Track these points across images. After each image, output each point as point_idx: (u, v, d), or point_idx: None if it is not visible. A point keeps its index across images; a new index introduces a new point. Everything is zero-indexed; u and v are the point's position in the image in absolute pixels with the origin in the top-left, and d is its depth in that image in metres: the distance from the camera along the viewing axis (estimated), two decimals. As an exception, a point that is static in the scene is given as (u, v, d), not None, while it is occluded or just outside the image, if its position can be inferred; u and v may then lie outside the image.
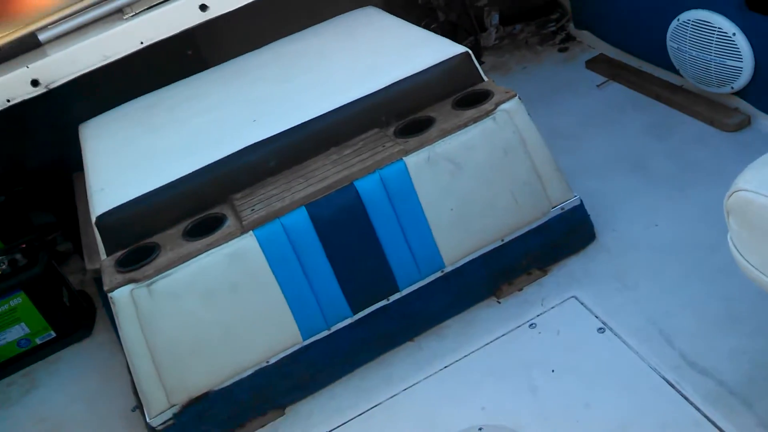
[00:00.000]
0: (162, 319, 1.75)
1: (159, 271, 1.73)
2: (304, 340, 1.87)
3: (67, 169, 2.58)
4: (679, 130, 2.51)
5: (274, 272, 1.79)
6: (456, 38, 3.20)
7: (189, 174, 1.88)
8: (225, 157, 1.89)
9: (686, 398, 1.67)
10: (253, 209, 1.80)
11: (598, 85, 2.88)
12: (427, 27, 3.16)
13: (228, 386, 1.85)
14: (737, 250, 1.36)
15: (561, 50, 3.23)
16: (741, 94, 2.42)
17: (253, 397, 1.88)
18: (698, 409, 1.64)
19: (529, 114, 1.99)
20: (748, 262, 1.33)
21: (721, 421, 1.60)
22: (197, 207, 1.88)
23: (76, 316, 2.50)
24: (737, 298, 1.82)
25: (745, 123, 2.42)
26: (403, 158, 1.87)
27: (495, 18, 3.42)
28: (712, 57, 2.39)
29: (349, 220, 1.84)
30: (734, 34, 2.30)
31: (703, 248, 2.00)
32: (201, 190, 1.88)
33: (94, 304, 2.61)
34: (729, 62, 2.35)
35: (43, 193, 2.81)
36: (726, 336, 1.78)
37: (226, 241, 1.76)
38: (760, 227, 1.26)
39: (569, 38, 3.27)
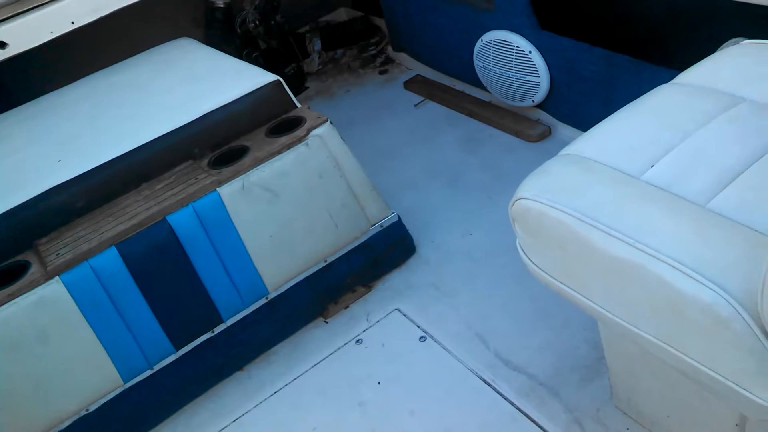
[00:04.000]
0: (-38, 379, 1.64)
1: (-47, 329, 1.63)
2: (125, 382, 1.81)
3: None
4: (489, 143, 2.67)
5: (85, 317, 1.72)
6: (279, 65, 3.25)
7: (-13, 222, 1.78)
8: (26, 202, 1.80)
9: (501, 395, 1.77)
10: (58, 253, 1.73)
11: (415, 105, 3.01)
12: (249, 56, 3.18)
13: (47, 440, 1.76)
14: (524, 254, 1.47)
15: (381, 72, 3.34)
16: (542, 106, 2.62)
17: (77, 449, 1.79)
18: (512, 404, 1.74)
19: (342, 137, 2.05)
20: (534, 264, 1.45)
21: (533, 413, 1.72)
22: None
23: None
24: (543, 296, 1.96)
25: (547, 133, 2.62)
26: (217, 189, 1.86)
27: (317, 44, 3.49)
28: (513, 73, 2.57)
29: (163, 256, 1.81)
30: (530, 52, 2.48)
31: (511, 252, 2.10)
32: (2, 237, 1.79)
33: None
34: (528, 78, 2.53)
35: None
36: (534, 332, 1.91)
37: (30, 290, 1.67)
38: (540, 232, 1.37)
39: (389, 61, 3.40)
